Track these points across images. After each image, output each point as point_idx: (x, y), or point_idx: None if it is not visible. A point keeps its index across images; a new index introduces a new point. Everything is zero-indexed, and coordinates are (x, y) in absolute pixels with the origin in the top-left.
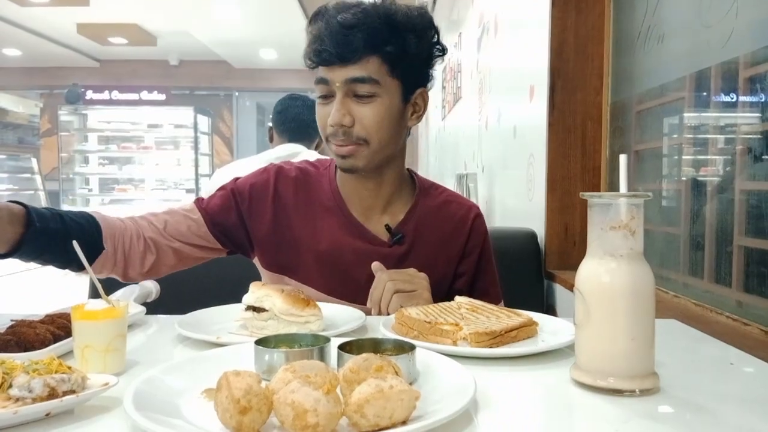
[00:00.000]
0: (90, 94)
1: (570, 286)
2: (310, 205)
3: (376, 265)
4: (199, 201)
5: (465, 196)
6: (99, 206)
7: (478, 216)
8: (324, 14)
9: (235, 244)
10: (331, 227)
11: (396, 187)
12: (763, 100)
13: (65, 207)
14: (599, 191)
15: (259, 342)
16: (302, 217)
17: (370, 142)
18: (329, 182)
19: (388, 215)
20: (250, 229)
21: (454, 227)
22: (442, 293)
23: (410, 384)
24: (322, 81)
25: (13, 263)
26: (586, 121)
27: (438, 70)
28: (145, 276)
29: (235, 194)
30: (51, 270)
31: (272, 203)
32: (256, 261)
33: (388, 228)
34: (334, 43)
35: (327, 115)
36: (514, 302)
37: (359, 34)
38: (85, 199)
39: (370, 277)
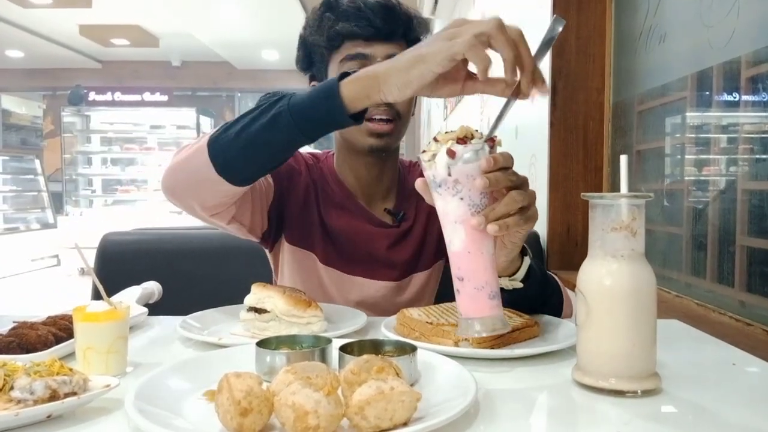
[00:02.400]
0: (92, 96)
1: (572, 287)
2: (323, 192)
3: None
4: None
5: None
6: (102, 207)
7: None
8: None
9: (277, 223)
10: (343, 214)
11: (394, 174)
12: (765, 99)
13: (68, 208)
14: (601, 191)
15: (260, 343)
16: (319, 201)
17: (402, 119)
18: (330, 173)
19: (387, 201)
20: (286, 206)
21: None
22: (441, 251)
23: (411, 385)
24: (359, 56)
25: (14, 264)
26: (588, 121)
27: None
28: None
29: (280, 171)
30: (52, 272)
31: (304, 181)
32: (278, 248)
33: (389, 211)
34: (381, 19)
35: None
36: None
37: (397, 16)
38: (89, 200)
39: (388, 250)
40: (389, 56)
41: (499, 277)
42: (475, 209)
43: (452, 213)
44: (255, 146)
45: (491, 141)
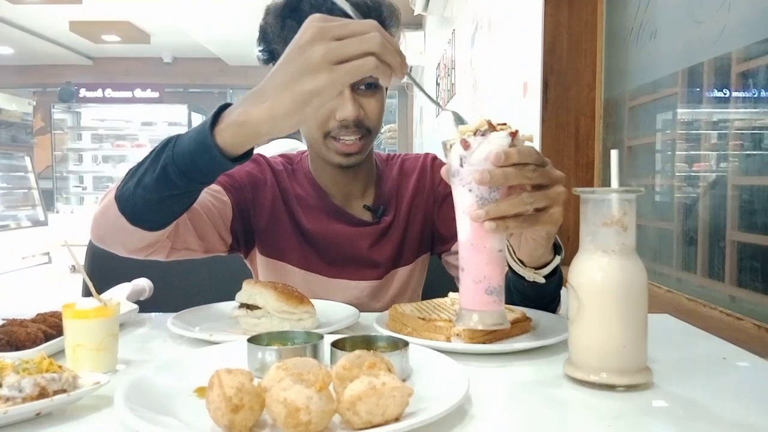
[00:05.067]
0: (83, 92)
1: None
2: (297, 197)
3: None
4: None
5: None
6: (93, 204)
7: (435, 159)
8: (316, 6)
9: (245, 236)
10: (320, 217)
11: (371, 171)
12: (755, 95)
13: (59, 205)
14: (593, 187)
15: (251, 340)
16: (293, 207)
17: (372, 133)
18: (305, 175)
19: (365, 198)
20: (254, 218)
21: (417, 178)
22: (425, 244)
23: (403, 381)
24: None
25: (5, 262)
26: (580, 116)
27: (432, 66)
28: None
29: (240, 184)
30: (43, 269)
31: (270, 190)
32: (253, 256)
33: (368, 208)
34: None
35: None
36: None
37: None
38: (80, 197)
39: (369, 249)
40: None
41: (525, 267)
42: (483, 203)
43: (462, 203)
44: (157, 200)
45: (512, 135)
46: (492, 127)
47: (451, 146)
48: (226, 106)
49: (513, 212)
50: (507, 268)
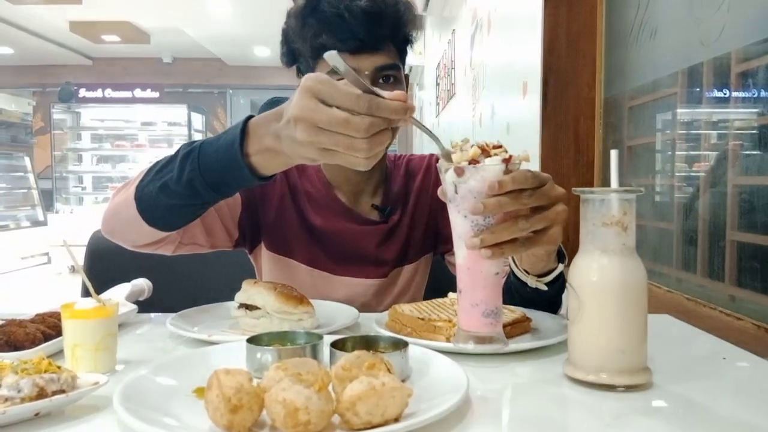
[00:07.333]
0: (83, 92)
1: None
2: (306, 193)
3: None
4: None
5: None
6: (93, 205)
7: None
8: (332, 1)
9: (252, 230)
10: (328, 215)
11: (381, 171)
12: (755, 95)
13: (59, 206)
14: (592, 187)
15: (250, 340)
16: (302, 203)
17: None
18: (315, 173)
19: (374, 197)
20: (261, 213)
21: (422, 178)
22: (429, 244)
23: (403, 381)
24: None
25: (4, 262)
26: (579, 116)
27: (432, 66)
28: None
29: None
30: (42, 270)
31: (279, 185)
32: (258, 252)
33: (376, 207)
34: (364, 30)
35: None
36: None
37: (384, 21)
38: (79, 197)
39: (377, 248)
40: (377, 68)
41: (528, 274)
42: (478, 228)
43: (457, 228)
44: (179, 206)
45: (506, 161)
46: (486, 152)
47: (445, 171)
48: (250, 117)
49: (509, 238)
50: (508, 269)
